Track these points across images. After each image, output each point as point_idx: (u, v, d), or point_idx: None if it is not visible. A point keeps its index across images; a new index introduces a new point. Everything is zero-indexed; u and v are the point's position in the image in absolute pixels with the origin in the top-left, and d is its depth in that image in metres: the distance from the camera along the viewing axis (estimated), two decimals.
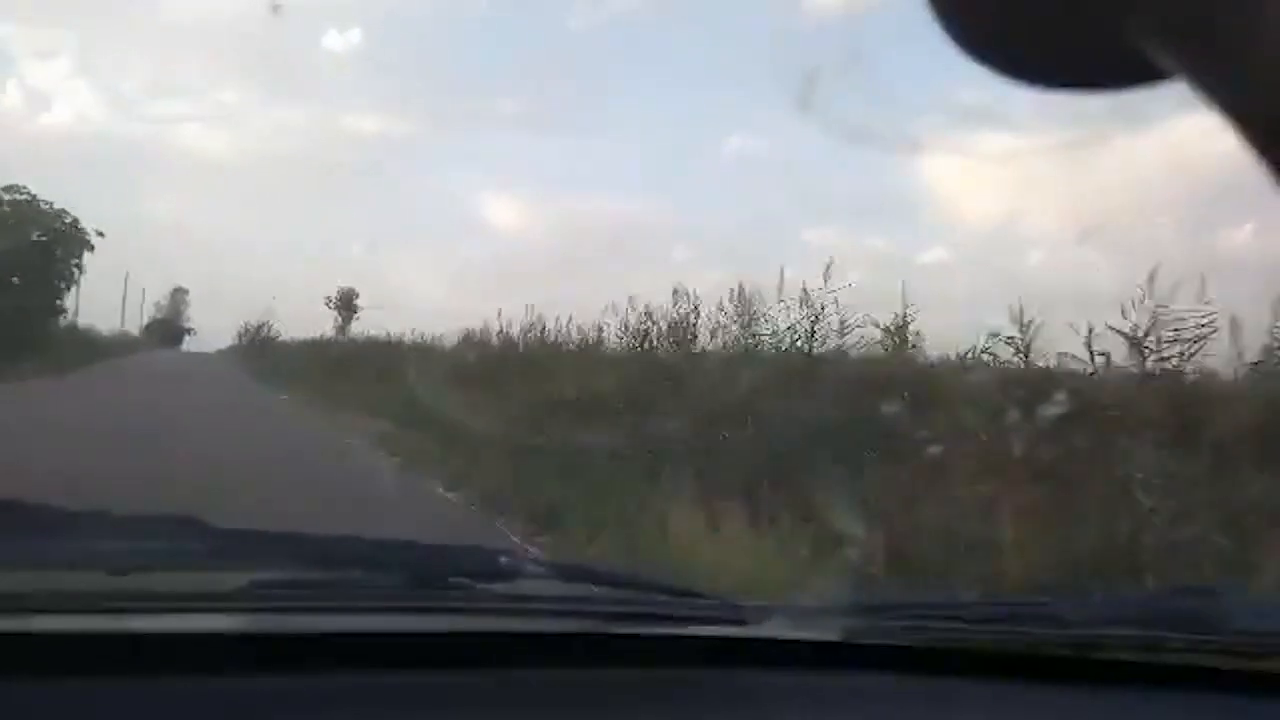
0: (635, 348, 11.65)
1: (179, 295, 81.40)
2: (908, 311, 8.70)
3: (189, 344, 74.73)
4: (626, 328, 12.03)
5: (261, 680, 1.16)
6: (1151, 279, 6.40)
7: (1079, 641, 1.45)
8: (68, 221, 28.90)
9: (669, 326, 11.11)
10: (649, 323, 11.51)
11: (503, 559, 1.47)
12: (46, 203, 28.59)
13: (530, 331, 15.09)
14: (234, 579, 1.37)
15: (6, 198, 27.76)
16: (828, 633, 1.45)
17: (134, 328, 71.12)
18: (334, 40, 74.80)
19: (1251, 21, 0.35)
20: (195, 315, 79.91)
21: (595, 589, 1.61)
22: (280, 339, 40.94)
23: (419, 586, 1.44)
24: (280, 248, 77.58)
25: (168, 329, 77.72)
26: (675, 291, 11.07)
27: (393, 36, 70.58)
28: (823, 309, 8.95)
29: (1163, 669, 1.42)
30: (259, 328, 46.42)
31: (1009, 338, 7.17)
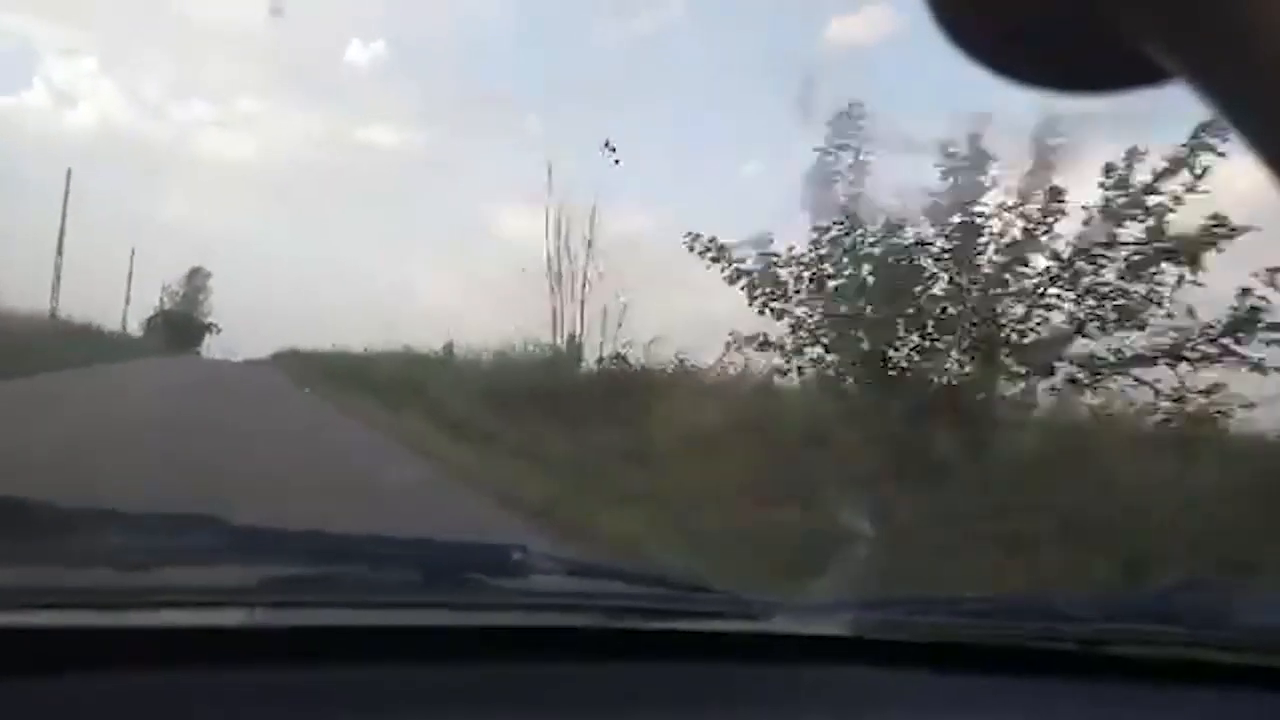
0: None
1: (198, 278, 63.68)
2: None
3: (211, 347, 58.78)
4: None
5: (275, 675, 1.16)
6: None
7: (1085, 637, 1.45)
8: None
9: None
10: None
11: (514, 555, 1.48)
12: None
13: None
14: (248, 574, 1.38)
15: None
16: (835, 628, 1.46)
17: (139, 321, 56.62)
18: (359, 52, 73.83)
19: (1253, 21, 0.36)
20: (219, 309, 62.96)
21: (606, 584, 1.62)
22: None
23: (432, 582, 1.45)
24: (300, 255, 74.88)
25: (178, 324, 60.79)
26: None
27: (416, 50, 70.19)
28: None
29: (1168, 664, 1.43)
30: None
31: None
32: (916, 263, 8.79)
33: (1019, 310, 8.62)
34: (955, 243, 8.71)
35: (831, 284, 9.14)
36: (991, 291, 8.63)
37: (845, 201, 9.14)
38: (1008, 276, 8.64)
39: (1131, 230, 8.29)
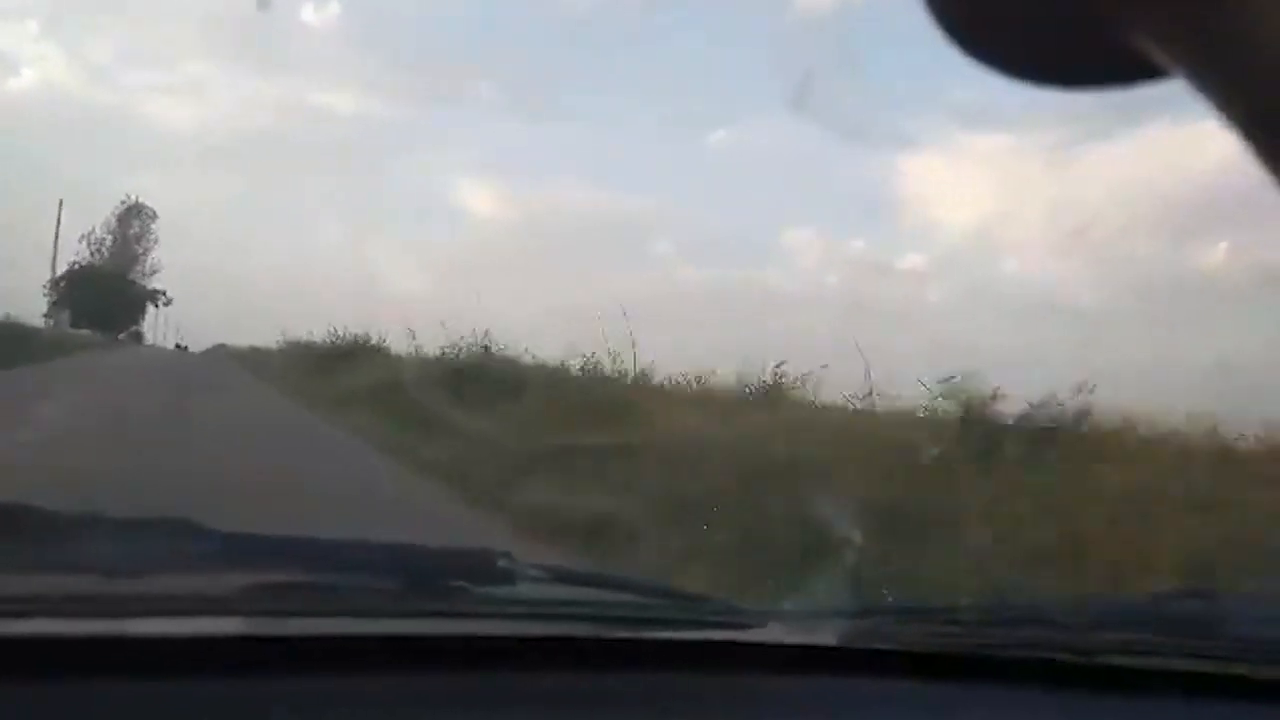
0: None
1: (137, 220, 44.72)
2: None
3: (159, 327, 44.73)
4: None
5: (258, 684, 1.15)
6: None
7: (1078, 646, 1.45)
8: None
9: None
10: None
11: (502, 562, 1.47)
12: None
13: None
14: (231, 582, 1.36)
15: None
16: (826, 637, 1.45)
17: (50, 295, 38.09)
18: (311, 14, 72.33)
19: (1252, 18, 0.35)
20: (168, 283, 47.46)
21: (595, 592, 1.61)
22: None
23: (417, 590, 1.44)
24: (253, 228, 71.92)
25: (103, 290, 40.00)
26: None
27: (373, 13, 69.01)
28: None
29: (1162, 674, 1.42)
30: None
31: None
32: None
33: None
34: None
35: None
36: None
37: None
38: None
39: None
